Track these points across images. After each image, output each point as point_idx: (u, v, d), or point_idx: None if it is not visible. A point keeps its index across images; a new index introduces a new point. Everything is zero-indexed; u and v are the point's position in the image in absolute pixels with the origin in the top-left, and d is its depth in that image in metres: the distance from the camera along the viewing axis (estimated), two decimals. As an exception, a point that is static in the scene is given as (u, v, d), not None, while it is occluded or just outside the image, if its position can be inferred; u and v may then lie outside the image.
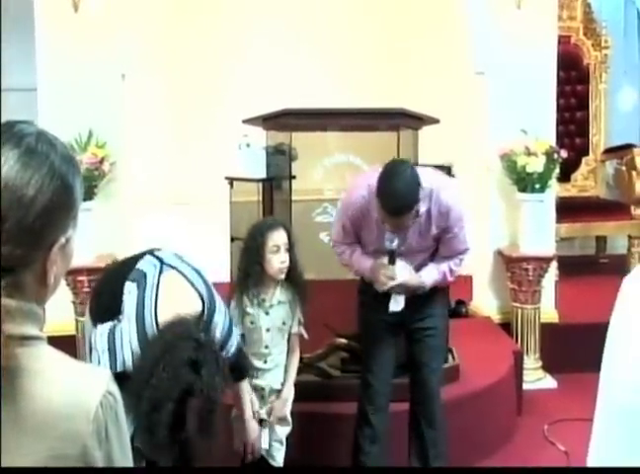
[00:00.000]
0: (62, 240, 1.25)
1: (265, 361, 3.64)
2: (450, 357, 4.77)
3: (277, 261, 3.55)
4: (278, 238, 3.56)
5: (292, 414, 3.71)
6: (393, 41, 6.94)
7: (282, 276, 3.59)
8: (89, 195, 5.03)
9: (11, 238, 1.19)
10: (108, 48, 5.45)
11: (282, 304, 3.64)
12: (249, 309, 3.62)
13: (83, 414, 1.19)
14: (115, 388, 1.26)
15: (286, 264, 3.56)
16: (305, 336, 3.73)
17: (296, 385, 3.77)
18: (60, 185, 1.23)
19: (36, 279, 1.24)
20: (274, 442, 3.64)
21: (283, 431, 3.68)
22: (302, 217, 4.49)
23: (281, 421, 3.65)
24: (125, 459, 1.27)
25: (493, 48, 5.77)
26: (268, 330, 3.62)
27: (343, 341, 4.48)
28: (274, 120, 4.50)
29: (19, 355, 1.17)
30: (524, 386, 5.29)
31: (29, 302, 1.23)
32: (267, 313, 3.62)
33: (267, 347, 3.63)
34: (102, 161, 5.22)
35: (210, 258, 5.42)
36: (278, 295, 3.63)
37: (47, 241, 1.23)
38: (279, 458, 3.65)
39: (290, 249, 3.58)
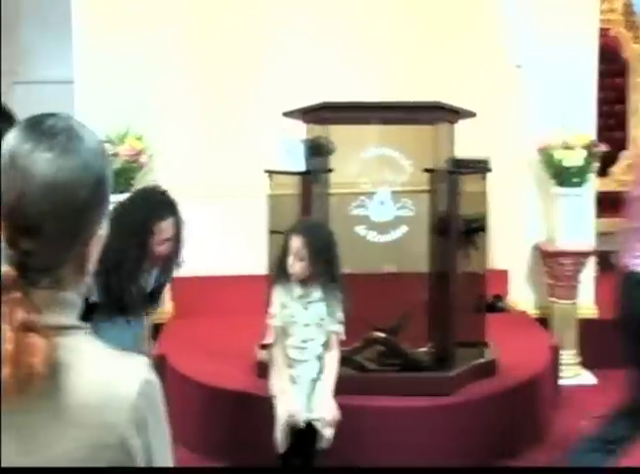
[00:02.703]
0: (99, 232, 1.26)
1: (302, 354, 3.67)
2: (487, 352, 4.75)
3: (290, 264, 3.59)
4: (293, 244, 3.59)
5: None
6: (431, 35, 6.90)
7: (295, 280, 3.62)
8: (126, 187, 5.05)
9: (51, 240, 1.19)
10: (145, 41, 5.47)
11: (321, 302, 3.65)
12: (288, 303, 3.65)
13: (122, 402, 1.20)
14: (153, 376, 1.26)
15: (295, 270, 3.58)
16: (343, 337, 3.73)
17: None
18: (95, 180, 1.23)
19: (74, 271, 1.25)
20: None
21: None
22: (339, 211, 4.49)
23: (330, 421, 3.63)
24: (164, 448, 1.27)
25: (531, 41, 5.73)
26: (306, 325, 3.65)
27: (379, 334, 4.47)
28: (313, 113, 4.50)
29: (59, 345, 1.18)
30: (562, 382, 5.26)
31: (67, 292, 1.24)
32: (305, 308, 3.64)
33: (304, 341, 3.66)
34: (139, 153, 5.24)
35: (248, 251, 5.48)
36: (317, 293, 3.64)
37: (86, 237, 1.24)
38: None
39: (311, 255, 3.56)
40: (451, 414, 4.39)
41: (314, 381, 3.67)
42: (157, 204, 3.48)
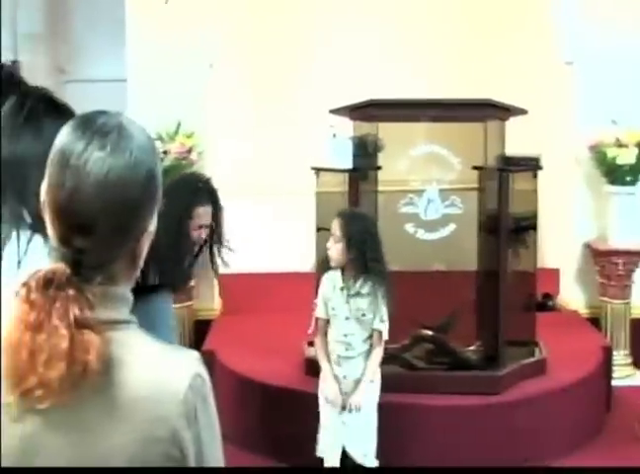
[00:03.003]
0: (150, 228, 1.27)
1: (346, 349, 3.67)
2: (537, 352, 4.70)
3: (329, 247, 3.65)
4: (332, 227, 3.65)
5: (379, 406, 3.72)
6: (481, 31, 6.85)
7: (335, 265, 3.65)
8: (177, 184, 5.09)
9: (105, 239, 1.20)
10: (196, 39, 5.52)
11: (363, 296, 3.64)
12: (330, 295, 3.66)
13: (172, 397, 1.20)
14: (203, 370, 1.26)
15: (332, 252, 3.63)
16: (385, 337, 3.69)
17: (381, 376, 3.77)
18: (146, 178, 1.23)
19: (126, 267, 1.26)
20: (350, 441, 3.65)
21: (360, 424, 3.67)
22: (388, 208, 4.48)
23: (356, 411, 3.63)
24: (215, 441, 1.27)
25: (582, 38, 5.65)
26: (347, 318, 3.66)
27: (427, 332, 4.46)
28: (360, 111, 4.49)
29: (111, 340, 1.19)
30: (614, 382, 5.18)
31: (119, 286, 1.25)
32: (347, 302, 3.64)
33: (346, 335, 3.66)
34: (190, 150, 5.28)
35: (296, 248, 5.49)
36: (357, 286, 3.63)
37: (137, 233, 1.25)
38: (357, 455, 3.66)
39: (346, 239, 3.58)
40: (500, 413, 4.36)
41: (357, 383, 3.66)
42: (197, 190, 3.54)
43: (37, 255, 1.41)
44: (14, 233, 1.80)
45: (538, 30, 6.43)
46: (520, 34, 6.75)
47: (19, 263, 1.77)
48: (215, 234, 3.63)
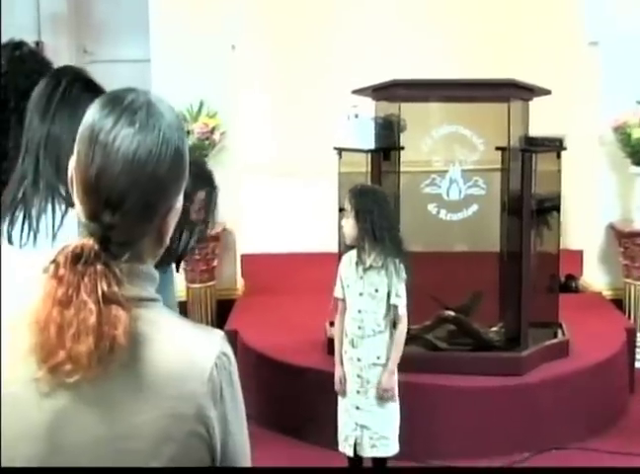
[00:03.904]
0: (177, 205, 1.28)
1: (359, 327, 3.61)
2: (560, 333, 4.69)
3: (343, 224, 3.65)
4: (345, 204, 3.65)
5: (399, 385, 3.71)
6: (504, 11, 6.80)
7: (349, 242, 3.64)
8: (200, 164, 5.11)
9: (133, 215, 1.21)
10: (218, 20, 5.52)
11: (376, 269, 3.59)
12: (346, 272, 3.66)
13: (198, 375, 1.21)
14: (228, 349, 1.27)
15: (345, 229, 3.62)
16: (402, 312, 3.59)
17: (402, 356, 3.73)
18: (174, 155, 1.23)
19: (153, 243, 1.27)
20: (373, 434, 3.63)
21: (390, 407, 3.64)
22: (410, 189, 4.47)
23: (386, 393, 3.61)
24: (240, 419, 1.28)
25: (607, 18, 5.60)
26: (360, 294, 3.62)
27: (450, 313, 4.45)
28: (383, 91, 4.48)
29: (138, 316, 1.20)
30: (637, 364, 5.16)
31: (146, 264, 1.26)
32: (361, 278, 3.61)
33: (359, 311, 3.62)
34: (213, 131, 5.30)
35: (318, 228, 5.50)
36: (371, 258, 3.60)
37: (165, 210, 1.26)
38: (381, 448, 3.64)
39: (356, 213, 3.56)
40: (523, 394, 4.35)
41: (374, 366, 3.60)
42: (195, 177, 3.54)
43: (72, 228, 1.44)
44: (49, 207, 1.84)
45: (563, 10, 6.39)
46: (544, 14, 6.70)
47: (54, 236, 1.81)
48: (209, 213, 3.67)
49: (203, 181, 3.60)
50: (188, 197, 3.62)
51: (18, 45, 2.40)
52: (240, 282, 5.86)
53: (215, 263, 5.41)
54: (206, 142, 5.26)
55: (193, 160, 3.19)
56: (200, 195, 3.55)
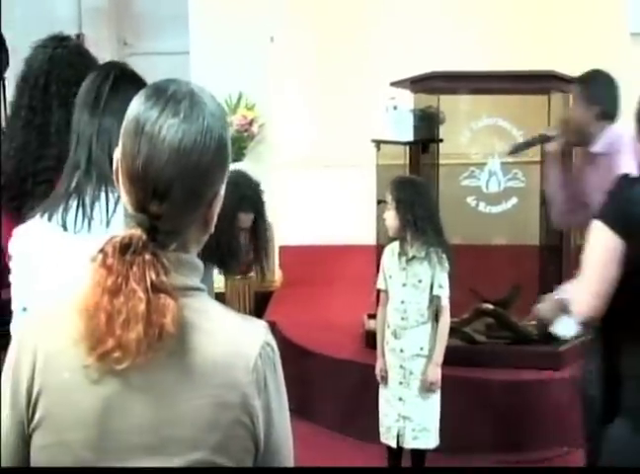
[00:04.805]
0: (221, 192, 1.29)
1: (401, 318, 3.63)
2: (599, 327, 4.65)
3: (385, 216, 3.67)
4: (386, 197, 3.66)
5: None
6: (544, 2, 6.74)
7: (391, 234, 3.66)
8: (238, 156, 5.13)
9: (180, 204, 1.22)
10: (257, 12, 5.53)
11: (419, 260, 3.60)
12: (389, 264, 3.68)
13: (243, 364, 1.23)
14: (272, 339, 1.29)
15: (387, 221, 3.63)
16: (444, 303, 3.63)
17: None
18: (217, 144, 1.25)
19: (198, 232, 1.29)
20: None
21: (433, 399, 3.65)
22: (449, 181, 4.46)
23: (433, 386, 3.61)
24: (283, 410, 1.30)
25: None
26: (404, 285, 3.63)
27: (489, 306, 4.43)
28: (421, 83, 4.47)
29: (185, 305, 1.21)
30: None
31: (191, 253, 1.28)
32: (403, 269, 3.63)
33: (402, 302, 3.63)
34: (251, 123, 5.32)
35: (356, 220, 5.50)
36: (414, 249, 3.61)
37: (210, 197, 1.27)
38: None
39: (397, 204, 3.58)
40: (559, 389, 4.32)
41: (417, 357, 3.61)
42: (243, 197, 3.45)
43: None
44: (103, 195, 1.89)
45: (604, 0, 6.31)
46: (585, 3, 6.62)
47: (108, 222, 1.85)
48: (258, 244, 3.57)
49: (248, 203, 3.51)
50: (232, 215, 3.49)
51: (64, 39, 2.48)
52: (278, 274, 5.88)
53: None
54: (245, 134, 5.28)
55: (245, 178, 3.24)
56: (242, 216, 3.37)
